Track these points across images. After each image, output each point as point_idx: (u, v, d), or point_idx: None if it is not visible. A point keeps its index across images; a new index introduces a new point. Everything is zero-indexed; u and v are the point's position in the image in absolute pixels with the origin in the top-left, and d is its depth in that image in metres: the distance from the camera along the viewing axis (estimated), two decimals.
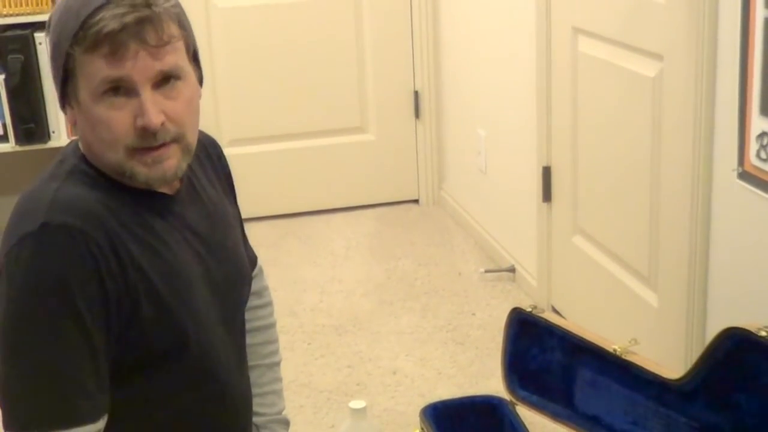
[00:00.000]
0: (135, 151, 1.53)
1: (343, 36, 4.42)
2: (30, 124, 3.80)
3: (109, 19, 1.47)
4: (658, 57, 2.58)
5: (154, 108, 1.51)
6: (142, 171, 1.54)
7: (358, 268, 3.93)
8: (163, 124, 1.52)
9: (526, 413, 2.57)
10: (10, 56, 3.72)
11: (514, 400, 2.59)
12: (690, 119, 2.40)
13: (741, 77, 2.20)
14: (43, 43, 3.73)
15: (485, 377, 3.03)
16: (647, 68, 2.64)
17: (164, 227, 1.61)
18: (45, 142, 3.84)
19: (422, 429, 2.54)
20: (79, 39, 1.49)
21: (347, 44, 4.43)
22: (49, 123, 3.83)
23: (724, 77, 2.29)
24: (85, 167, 1.58)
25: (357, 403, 2.19)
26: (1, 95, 3.75)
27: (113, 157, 1.53)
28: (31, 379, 1.48)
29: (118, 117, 1.51)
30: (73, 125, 1.59)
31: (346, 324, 3.47)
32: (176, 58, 1.54)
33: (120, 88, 1.50)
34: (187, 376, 1.64)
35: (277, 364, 1.97)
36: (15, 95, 3.76)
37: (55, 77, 1.57)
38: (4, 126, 3.80)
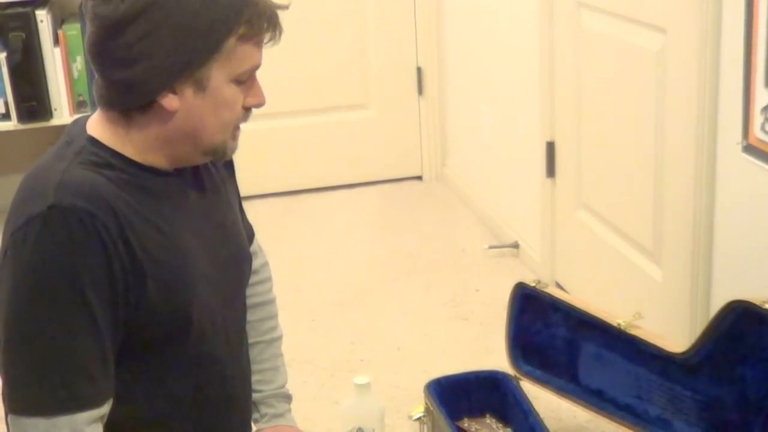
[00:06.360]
0: (235, 129, 1.62)
1: (346, 11, 4.39)
2: (32, 102, 3.79)
3: (268, 9, 1.53)
4: (661, 30, 2.57)
5: None
6: (232, 145, 1.63)
7: (362, 245, 3.93)
8: None
9: (530, 388, 2.58)
10: (11, 33, 3.70)
11: (518, 375, 2.60)
12: (694, 93, 2.39)
13: (745, 50, 2.19)
14: (44, 20, 3.71)
15: (489, 352, 3.03)
16: (651, 42, 2.63)
17: (170, 208, 1.61)
18: (47, 119, 3.83)
19: (426, 404, 2.55)
20: (242, 25, 1.50)
21: (349, 20, 4.41)
22: (51, 101, 3.82)
23: (728, 50, 2.28)
24: (94, 149, 1.56)
25: (361, 379, 2.21)
26: (3, 73, 3.74)
27: (222, 137, 1.60)
28: (33, 363, 1.47)
29: (239, 98, 1.57)
30: (169, 112, 1.53)
31: (350, 300, 3.47)
32: None
33: None
34: (188, 355, 1.63)
35: (277, 339, 1.97)
36: (16, 73, 3.75)
37: (179, 62, 1.49)
38: (6, 104, 3.79)
